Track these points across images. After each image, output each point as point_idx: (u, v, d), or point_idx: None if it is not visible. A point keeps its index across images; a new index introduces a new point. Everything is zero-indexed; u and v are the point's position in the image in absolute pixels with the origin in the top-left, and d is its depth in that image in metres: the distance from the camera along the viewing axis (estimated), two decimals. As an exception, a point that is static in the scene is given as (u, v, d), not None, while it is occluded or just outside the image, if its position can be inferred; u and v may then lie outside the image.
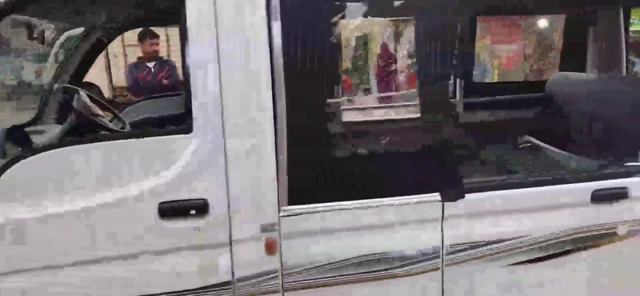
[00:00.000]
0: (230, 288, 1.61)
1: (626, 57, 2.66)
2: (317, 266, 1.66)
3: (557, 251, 1.83)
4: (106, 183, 1.50)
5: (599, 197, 1.81)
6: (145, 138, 1.59)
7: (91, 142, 1.54)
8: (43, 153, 1.51)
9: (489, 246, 1.78)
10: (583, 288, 1.89)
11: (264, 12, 1.51)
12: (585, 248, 1.84)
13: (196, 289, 1.59)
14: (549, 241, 1.81)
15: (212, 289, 1.60)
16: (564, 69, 3.06)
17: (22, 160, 1.47)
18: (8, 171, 1.46)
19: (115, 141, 1.59)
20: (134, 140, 1.60)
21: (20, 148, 1.68)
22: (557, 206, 1.82)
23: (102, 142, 1.55)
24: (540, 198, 1.81)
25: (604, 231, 1.85)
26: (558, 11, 3.36)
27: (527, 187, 1.82)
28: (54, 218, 1.48)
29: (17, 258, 1.50)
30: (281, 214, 1.61)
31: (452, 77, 2.82)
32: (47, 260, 1.51)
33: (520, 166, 2.32)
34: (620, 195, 1.83)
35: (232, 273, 1.60)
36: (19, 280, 1.50)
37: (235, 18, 1.51)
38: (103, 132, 1.74)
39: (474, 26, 3.08)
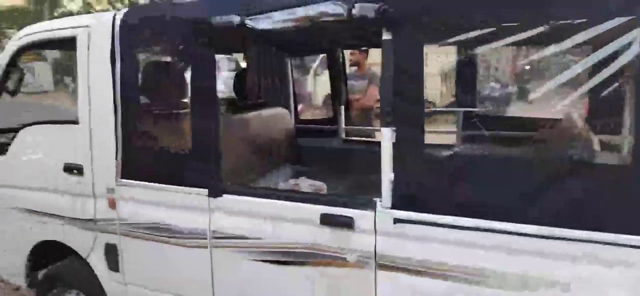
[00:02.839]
0: (93, 221, 2.60)
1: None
2: (133, 223, 2.48)
3: (290, 260, 2.10)
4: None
5: (326, 221, 2.00)
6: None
7: None
8: None
9: (237, 240, 2.21)
10: None
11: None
12: (316, 265, 2.04)
13: (79, 218, 2.64)
14: (285, 249, 2.10)
15: (86, 220, 2.62)
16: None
17: None
18: None
19: None
20: None
21: None
22: (292, 219, 2.09)
23: None
24: (274, 210, 2.12)
25: (333, 254, 2.00)
26: None
27: (271, 198, 2.16)
28: None
29: None
30: (117, 183, 2.50)
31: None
32: None
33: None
34: (346, 223, 1.96)
35: (95, 213, 2.60)
36: None
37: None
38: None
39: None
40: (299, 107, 5.55)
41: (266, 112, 3.39)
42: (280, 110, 3.62)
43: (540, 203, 1.65)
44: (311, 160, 3.56)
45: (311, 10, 1.98)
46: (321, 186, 2.89)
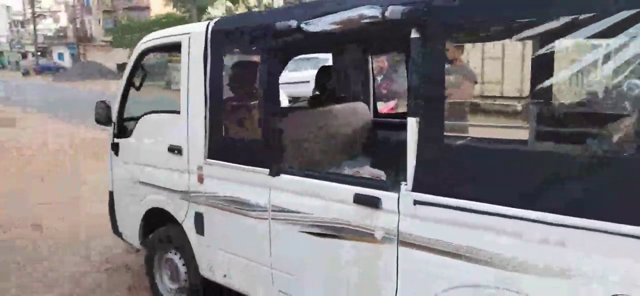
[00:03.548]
0: (187, 193, 3.17)
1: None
2: (214, 195, 2.98)
3: (330, 233, 2.40)
4: None
5: (358, 200, 2.27)
6: None
7: None
8: None
9: (289, 213, 2.57)
10: (344, 271, 2.37)
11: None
12: (350, 239, 2.32)
13: (177, 190, 3.23)
14: (326, 224, 2.41)
15: (182, 192, 3.20)
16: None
17: None
18: None
19: None
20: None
21: None
22: (331, 198, 2.39)
23: None
24: (318, 189, 2.44)
25: (364, 230, 2.26)
26: None
27: (316, 179, 2.48)
28: None
29: None
30: (204, 162, 3.03)
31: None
32: None
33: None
34: (373, 203, 2.21)
35: (188, 187, 3.16)
36: None
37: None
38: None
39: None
40: (393, 102, 5.76)
41: (342, 106, 3.71)
42: (358, 105, 3.92)
43: (547, 192, 1.75)
44: (388, 151, 3.78)
45: (352, 13, 2.27)
46: (379, 174, 3.13)
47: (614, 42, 1.63)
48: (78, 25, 52.86)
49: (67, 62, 49.55)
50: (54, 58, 51.83)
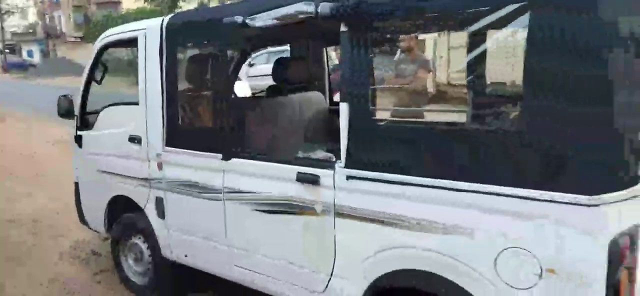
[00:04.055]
0: (148, 180, 3.35)
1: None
2: (173, 181, 3.17)
3: (278, 210, 2.62)
4: None
5: (300, 178, 2.50)
6: None
7: None
8: None
9: (241, 194, 2.79)
10: (291, 243, 2.60)
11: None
12: (295, 214, 2.55)
13: (138, 177, 3.41)
14: (274, 201, 2.64)
15: (143, 179, 3.38)
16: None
17: None
18: None
19: None
20: None
21: None
22: (277, 178, 2.61)
23: None
24: (265, 170, 2.66)
25: (306, 205, 2.50)
26: None
27: (264, 161, 2.70)
28: None
29: None
30: (163, 150, 3.21)
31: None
32: None
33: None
34: (313, 180, 2.44)
35: (149, 174, 3.34)
36: None
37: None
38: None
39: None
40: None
41: (298, 96, 3.92)
42: (314, 94, 4.14)
43: (447, 162, 2.01)
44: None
45: (289, 9, 2.48)
46: (329, 156, 3.36)
47: (503, 33, 1.88)
48: (47, 22, 51.69)
49: (37, 58, 48.48)
50: (24, 55, 50.65)
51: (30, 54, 51.08)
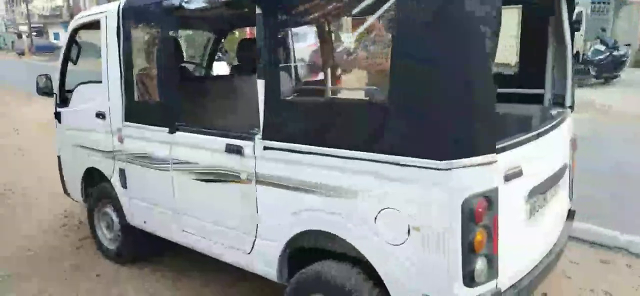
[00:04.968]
0: (112, 153, 3.64)
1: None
2: (131, 153, 3.45)
3: (212, 178, 2.87)
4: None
5: (227, 149, 2.73)
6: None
7: None
8: None
9: (184, 164, 3.04)
10: (224, 207, 2.84)
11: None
12: (226, 181, 2.79)
13: (104, 150, 3.70)
14: (209, 170, 2.88)
15: (108, 152, 3.67)
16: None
17: None
18: None
19: None
20: None
21: None
22: (211, 149, 2.85)
23: None
24: (203, 142, 2.90)
25: (233, 173, 2.73)
26: None
27: (201, 134, 2.94)
28: None
29: None
30: (123, 125, 3.49)
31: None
32: None
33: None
34: (238, 150, 2.67)
35: (113, 147, 3.63)
36: None
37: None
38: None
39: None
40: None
41: (252, 76, 4.14)
42: None
43: (336, 133, 2.21)
44: None
45: None
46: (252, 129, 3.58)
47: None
48: (72, 3, 52.80)
49: (63, 41, 49.58)
50: (51, 37, 52.00)
51: (56, 36, 52.34)
